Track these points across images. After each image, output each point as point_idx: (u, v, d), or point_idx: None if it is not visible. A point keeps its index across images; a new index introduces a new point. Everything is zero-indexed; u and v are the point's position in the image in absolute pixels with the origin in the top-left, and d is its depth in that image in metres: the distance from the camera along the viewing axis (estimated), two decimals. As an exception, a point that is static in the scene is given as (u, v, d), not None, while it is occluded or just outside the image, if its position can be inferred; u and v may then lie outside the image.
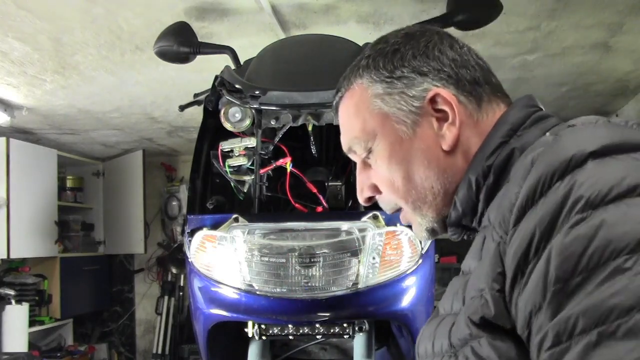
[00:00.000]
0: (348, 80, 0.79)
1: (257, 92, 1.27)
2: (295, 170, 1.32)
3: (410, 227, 1.19)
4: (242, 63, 1.61)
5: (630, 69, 2.95)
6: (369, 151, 0.75)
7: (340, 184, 1.41)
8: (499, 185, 0.65)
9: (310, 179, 1.34)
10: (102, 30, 2.24)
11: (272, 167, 1.30)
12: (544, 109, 0.73)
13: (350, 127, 0.77)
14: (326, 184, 1.37)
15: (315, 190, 1.33)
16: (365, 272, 1.15)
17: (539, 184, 0.54)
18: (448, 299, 0.67)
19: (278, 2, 2.05)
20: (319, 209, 1.32)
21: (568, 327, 0.47)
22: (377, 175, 0.75)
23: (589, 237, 0.48)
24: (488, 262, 0.57)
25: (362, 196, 0.78)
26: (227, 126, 1.33)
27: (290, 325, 1.27)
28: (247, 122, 1.32)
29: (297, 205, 1.33)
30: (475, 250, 0.64)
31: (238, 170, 1.35)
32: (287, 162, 1.30)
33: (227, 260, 1.19)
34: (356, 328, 1.28)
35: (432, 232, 0.75)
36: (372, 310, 1.21)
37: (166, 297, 4.81)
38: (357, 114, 0.75)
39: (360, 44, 1.53)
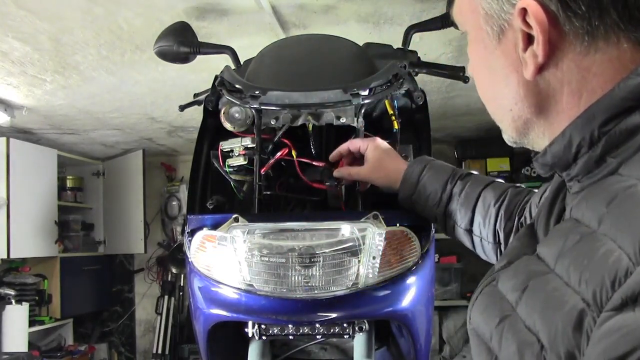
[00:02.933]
0: None
1: (257, 92, 1.27)
2: (301, 159, 1.31)
3: (409, 227, 1.19)
4: (242, 63, 1.61)
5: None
6: (465, 35, 0.65)
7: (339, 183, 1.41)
8: (604, 160, 0.53)
9: (310, 179, 1.34)
10: (102, 30, 2.24)
11: (272, 162, 1.30)
12: None
13: (457, 2, 0.65)
14: (326, 184, 1.37)
15: (322, 164, 1.31)
16: (365, 272, 1.15)
17: None
18: (510, 277, 0.57)
19: (278, 2, 2.05)
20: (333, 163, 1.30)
21: None
22: (473, 61, 0.65)
23: None
24: (562, 318, 0.47)
25: (468, 71, 0.69)
26: (227, 126, 1.33)
27: (290, 325, 1.27)
28: (247, 122, 1.32)
29: (315, 184, 1.32)
30: (559, 244, 0.52)
31: (238, 170, 1.35)
32: (285, 154, 1.30)
33: (227, 260, 1.19)
34: (356, 328, 1.28)
35: (514, 144, 0.65)
36: (372, 310, 1.21)
37: (166, 297, 4.81)
38: None
39: (360, 44, 1.53)
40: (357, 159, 1.24)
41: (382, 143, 1.21)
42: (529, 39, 0.54)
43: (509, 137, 0.64)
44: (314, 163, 1.32)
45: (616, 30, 0.52)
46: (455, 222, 1.10)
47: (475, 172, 1.13)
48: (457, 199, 1.08)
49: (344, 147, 1.24)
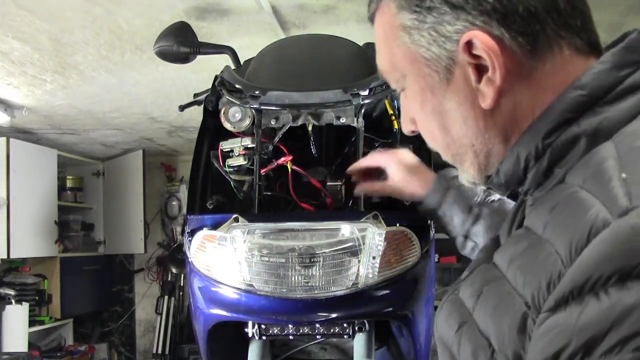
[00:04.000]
0: None
1: (257, 92, 1.27)
2: (297, 168, 1.32)
3: (409, 227, 1.19)
4: (242, 63, 1.61)
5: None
6: (402, 88, 0.63)
7: (340, 183, 1.41)
8: (551, 172, 0.54)
9: (309, 178, 1.34)
10: (102, 30, 2.24)
11: (273, 166, 1.30)
12: None
13: (380, 54, 0.64)
14: (326, 183, 1.37)
15: (319, 186, 1.32)
16: (365, 272, 1.15)
17: (594, 271, 0.43)
18: (468, 285, 0.59)
19: (278, 2, 2.05)
20: (330, 200, 1.32)
21: None
22: (416, 115, 0.64)
23: None
24: (508, 321, 0.49)
25: (405, 129, 0.68)
26: (227, 126, 1.33)
27: (290, 325, 1.27)
28: (247, 122, 1.32)
29: (303, 204, 1.33)
30: (510, 251, 0.54)
31: (238, 170, 1.35)
32: (288, 161, 1.30)
33: (227, 260, 1.19)
34: (356, 328, 1.28)
35: (474, 184, 0.65)
36: (372, 310, 1.21)
37: (166, 297, 4.81)
38: (386, 43, 0.62)
39: (360, 44, 1.53)
40: (373, 172, 1.20)
41: (406, 157, 1.17)
42: (478, 70, 0.55)
43: (469, 176, 0.63)
44: (312, 181, 1.33)
45: (557, 39, 0.54)
46: (477, 244, 1.08)
47: (502, 197, 1.10)
48: (483, 222, 1.06)
49: (362, 162, 1.20)
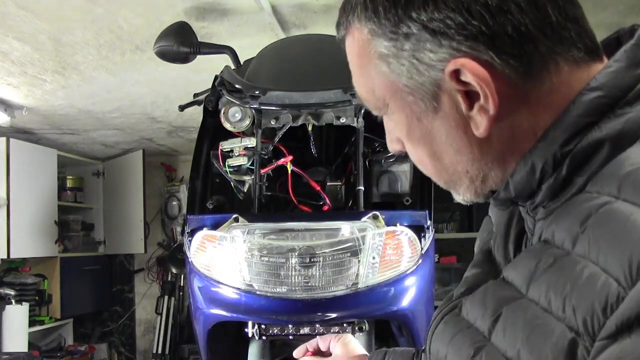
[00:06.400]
0: (346, 18, 0.61)
1: (257, 92, 1.27)
2: (296, 169, 1.32)
3: (409, 227, 1.19)
4: (242, 63, 1.61)
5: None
6: (385, 114, 0.59)
7: (340, 184, 1.41)
8: (570, 181, 0.50)
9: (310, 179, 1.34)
10: (102, 30, 2.24)
11: (273, 166, 1.30)
12: None
13: (357, 81, 0.60)
14: (326, 184, 1.37)
15: (318, 188, 1.33)
16: (365, 272, 1.15)
17: None
18: (477, 304, 0.55)
19: (278, 2, 2.05)
20: (325, 207, 1.33)
21: None
22: (403, 139, 0.59)
23: None
24: (551, 349, 0.44)
25: (391, 149, 0.63)
26: (227, 126, 1.33)
27: (290, 325, 1.27)
28: (247, 122, 1.32)
29: (301, 206, 1.33)
30: (529, 267, 0.50)
31: (238, 170, 1.35)
32: (288, 162, 1.31)
33: (227, 260, 1.19)
34: (356, 328, 1.28)
35: (470, 202, 0.61)
36: (372, 310, 1.21)
37: (166, 297, 4.81)
38: (362, 70, 0.58)
39: (360, 44, 1.53)
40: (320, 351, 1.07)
41: (349, 341, 1.03)
42: (468, 97, 0.51)
43: (464, 198, 0.60)
44: (310, 182, 1.33)
45: (553, 55, 0.50)
46: None
47: None
48: None
49: (313, 342, 1.07)
